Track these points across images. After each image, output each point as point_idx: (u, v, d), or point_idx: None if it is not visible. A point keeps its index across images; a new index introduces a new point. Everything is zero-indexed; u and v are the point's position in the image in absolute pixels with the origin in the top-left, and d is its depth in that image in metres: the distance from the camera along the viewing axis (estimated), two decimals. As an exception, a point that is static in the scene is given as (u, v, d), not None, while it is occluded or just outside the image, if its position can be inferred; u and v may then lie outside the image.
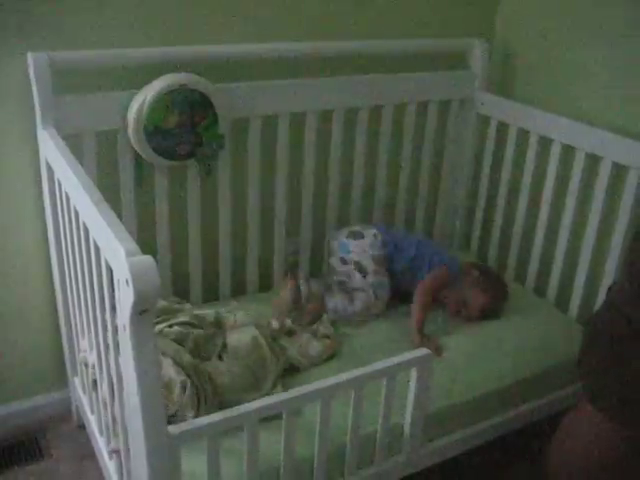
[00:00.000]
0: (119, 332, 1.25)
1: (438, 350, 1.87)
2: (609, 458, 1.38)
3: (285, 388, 1.68)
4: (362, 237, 2.07)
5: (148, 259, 1.13)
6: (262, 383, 1.70)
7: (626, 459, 1.36)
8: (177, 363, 1.59)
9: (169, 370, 1.57)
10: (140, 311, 1.13)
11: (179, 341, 1.69)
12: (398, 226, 2.42)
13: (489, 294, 2.06)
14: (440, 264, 2.09)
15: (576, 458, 1.43)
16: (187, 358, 1.63)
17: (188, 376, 1.58)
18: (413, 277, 2.08)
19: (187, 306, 1.89)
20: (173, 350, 1.63)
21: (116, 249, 1.16)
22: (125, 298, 1.14)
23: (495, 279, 2.14)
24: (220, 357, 1.73)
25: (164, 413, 1.24)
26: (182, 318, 1.77)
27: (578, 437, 1.42)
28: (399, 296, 2.09)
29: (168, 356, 1.60)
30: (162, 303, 1.82)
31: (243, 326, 1.82)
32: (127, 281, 1.11)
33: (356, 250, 2.05)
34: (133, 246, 1.15)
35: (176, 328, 1.72)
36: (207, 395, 1.59)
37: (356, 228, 2.12)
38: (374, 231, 2.10)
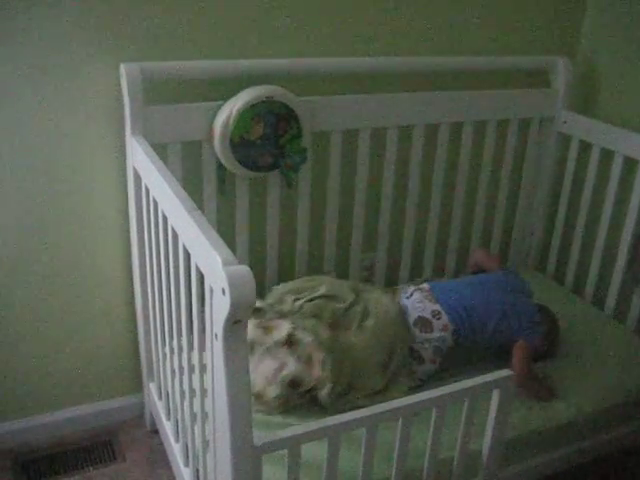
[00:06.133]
0: (209, 340, 1.26)
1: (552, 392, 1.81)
2: None
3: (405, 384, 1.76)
4: (431, 330, 1.82)
5: (245, 269, 1.12)
6: (390, 364, 1.75)
7: None
8: (316, 339, 1.65)
9: (310, 348, 1.63)
10: (234, 321, 1.13)
11: (317, 315, 1.75)
12: (475, 241, 2.39)
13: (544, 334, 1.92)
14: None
15: None
16: (326, 334, 1.69)
17: (328, 350, 1.64)
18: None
19: (325, 278, 1.92)
20: (312, 326, 1.69)
21: (212, 257, 1.16)
22: (219, 307, 1.14)
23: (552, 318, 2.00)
24: (360, 326, 1.77)
25: (251, 422, 1.23)
26: (321, 291, 1.83)
27: None
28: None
29: (308, 332, 1.66)
30: (296, 283, 1.89)
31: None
32: (223, 290, 1.11)
33: (422, 342, 1.82)
34: (230, 255, 1.15)
35: (317, 301, 1.79)
36: (343, 369, 1.65)
37: (426, 314, 1.83)
38: (445, 322, 1.83)
